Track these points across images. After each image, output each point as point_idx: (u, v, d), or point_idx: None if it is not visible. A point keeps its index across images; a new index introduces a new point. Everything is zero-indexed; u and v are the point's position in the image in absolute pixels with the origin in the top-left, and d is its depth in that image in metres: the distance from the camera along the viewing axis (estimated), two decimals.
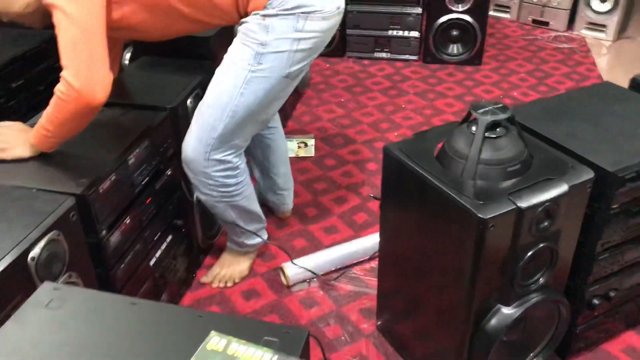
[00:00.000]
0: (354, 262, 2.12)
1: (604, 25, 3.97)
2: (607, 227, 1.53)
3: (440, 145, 1.53)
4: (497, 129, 1.42)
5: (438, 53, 3.60)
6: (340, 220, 2.35)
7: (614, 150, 1.53)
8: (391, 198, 1.62)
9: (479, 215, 1.31)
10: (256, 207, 1.96)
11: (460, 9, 3.45)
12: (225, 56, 1.70)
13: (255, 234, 2.02)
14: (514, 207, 1.33)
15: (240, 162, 1.80)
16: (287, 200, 2.31)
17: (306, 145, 2.80)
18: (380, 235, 1.71)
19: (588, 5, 3.98)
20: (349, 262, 2.11)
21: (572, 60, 3.69)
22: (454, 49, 3.60)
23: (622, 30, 4.00)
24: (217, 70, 1.71)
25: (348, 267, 2.11)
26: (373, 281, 2.00)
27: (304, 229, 2.30)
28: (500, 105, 1.44)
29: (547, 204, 1.36)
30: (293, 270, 2.04)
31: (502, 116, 1.41)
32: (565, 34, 4.06)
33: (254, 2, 1.60)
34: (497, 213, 1.32)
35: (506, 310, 1.46)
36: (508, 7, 4.27)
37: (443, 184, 1.40)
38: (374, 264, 2.09)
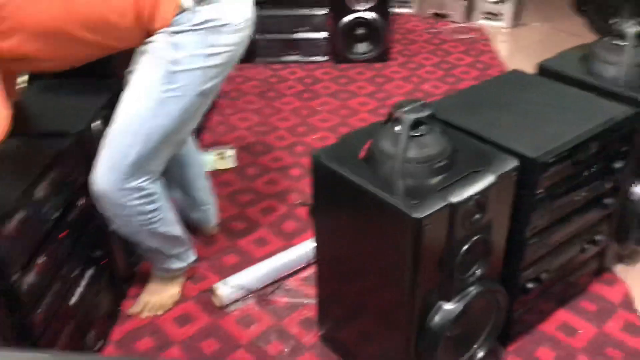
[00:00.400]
0: (288, 273, 2.06)
1: (500, 14, 4.13)
2: (534, 212, 1.56)
3: (366, 147, 1.51)
4: (421, 127, 1.41)
5: (346, 52, 3.61)
6: (270, 231, 2.29)
7: (533, 136, 1.57)
8: (323, 205, 1.58)
9: (413, 216, 1.30)
10: (178, 230, 1.87)
11: (364, 7, 3.48)
12: (134, 78, 1.60)
13: (180, 257, 1.93)
14: (445, 203, 1.33)
15: (157, 187, 1.71)
16: (211, 215, 2.22)
17: (225, 156, 2.71)
18: (316, 243, 1.67)
19: None
20: (284, 273, 2.06)
21: (475, 50, 3.81)
22: (362, 47, 3.62)
23: (516, 18, 4.17)
24: (126, 93, 1.61)
25: (283, 279, 2.05)
26: (310, 290, 1.96)
27: (232, 245, 2.22)
28: (421, 102, 1.44)
29: (477, 196, 1.37)
30: (226, 289, 1.96)
31: (424, 113, 1.41)
32: (465, 25, 4.18)
33: (160, 19, 1.51)
34: (431, 211, 1.31)
35: (448, 306, 1.46)
36: (408, 1, 4.35)
37: (374, 187, 1.38)
38: (309, 272, 2.05)
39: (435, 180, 1.40)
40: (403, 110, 1.41)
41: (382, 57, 3.64)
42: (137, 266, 2.10)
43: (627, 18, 1.88)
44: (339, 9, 3.47)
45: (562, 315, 1.89)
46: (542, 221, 1.60)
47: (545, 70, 1.94)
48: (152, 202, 1.70)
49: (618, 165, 1.69)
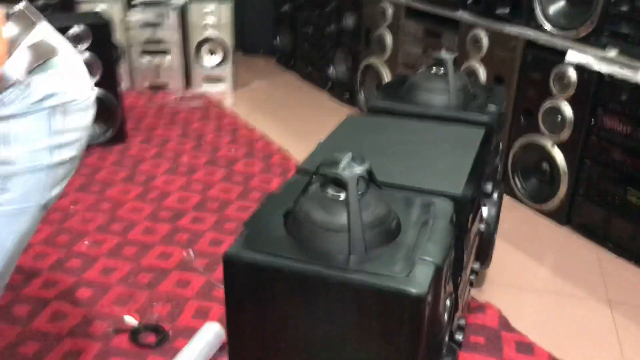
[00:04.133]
0: None
1: (220, 77, 4.02)
2: (465, 251, 1.41)
3: (288, 226, 1.16)
4: (359, 184, 1.13)
5: None
6: None
7: (437, 175, 1.42)
8: (251, 317, 1.15)
9: (414, 291, 1.01)
10: None
11: None
12: None
13: None
14: (433, 267, 1.07)
15: None
16: None
17: None
18: None
19: (199, 60, 3.96)
20: None
21: (212, 115, 3.60)
22: (94, 129, 3.08)
23: (236, 80, 4.10)
24: None
25: None
26: None
27: None
28: (350, 155, 1.16)
29: (451, 249, 1.15)
30: None
31: (365, 167, 1.13)
32: (189, 92, 3.96)
33: None
34: (428, 282, 1.03)
35: None
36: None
37: (341, 272, 1.04)
38: None
39: (392, 244, 1.13)
40: (341, 167, 1.11)
41: (120, 137, 3.16)
42: None
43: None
44: None
45: (463, 357, 1.77)
46: (465, 260, 1.46)
47: (376, 110, 1.84)
48: None
49: (488, 187, 1.66)
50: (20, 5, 1.02)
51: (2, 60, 0.93)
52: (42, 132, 0.99)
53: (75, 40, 2.89)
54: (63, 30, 2.83)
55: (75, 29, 2.88)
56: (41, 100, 0.97)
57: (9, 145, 0.95)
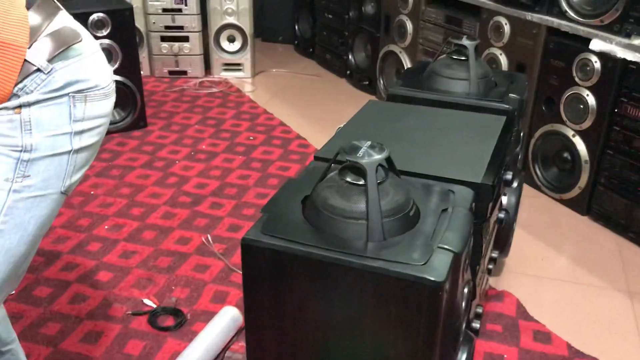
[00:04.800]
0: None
1: (239, 64, 4.02)
2: (484, 240, 1.40)
3: (306, 212, 1.16)
4: (378, 172, 1.13)
5: None
6: None
7: (457, 162, 1.41)
8: (269, 301, 1.15)
9: (431, 279, 1.00)
10: None
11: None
12: None
13: None
14: (452, 255, 1.07)
15: None
16: (20, 356, 1.53)
17: None
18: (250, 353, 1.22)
19: (219, 47, 3.97)
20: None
21: (231, 102, 3.61)
22: (114, 115, 3.11)
23: (255, 67, 4.10)
24: None
25: None
26: None
27: None
28: (369, 142, 1.16)
29: (470, 238, 1.14)
30: None
31: (384, 155, 1.13)
32: (208, 79, 3.97)
33: None
34: (446, 270, 1.03)
35: None
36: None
37: (359, 259, 1.04)
38: None
39: (417, 232, 1.12)
40: (359, 154, 1.11)
41: (140, 122, 3.18)
42: None
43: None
44: None
45: (480, 345, 1.77)
46: (484, 248, 1.45)
47: (396, 97, 1.83)
48: None
49: (509, 176, 1.64)
50: None
51: (25, 48, 0.93)
52: (64, 119, 0.99)
53: (97, 26, 2.90)
54: (84, 16, 2.85)
55: (96, 15, 2.89)
56: (63, 87, 0.98)
57: (30, 131, 0.96)
